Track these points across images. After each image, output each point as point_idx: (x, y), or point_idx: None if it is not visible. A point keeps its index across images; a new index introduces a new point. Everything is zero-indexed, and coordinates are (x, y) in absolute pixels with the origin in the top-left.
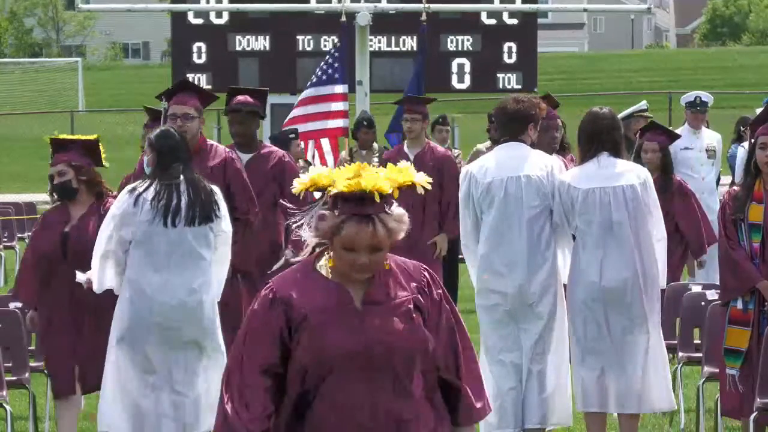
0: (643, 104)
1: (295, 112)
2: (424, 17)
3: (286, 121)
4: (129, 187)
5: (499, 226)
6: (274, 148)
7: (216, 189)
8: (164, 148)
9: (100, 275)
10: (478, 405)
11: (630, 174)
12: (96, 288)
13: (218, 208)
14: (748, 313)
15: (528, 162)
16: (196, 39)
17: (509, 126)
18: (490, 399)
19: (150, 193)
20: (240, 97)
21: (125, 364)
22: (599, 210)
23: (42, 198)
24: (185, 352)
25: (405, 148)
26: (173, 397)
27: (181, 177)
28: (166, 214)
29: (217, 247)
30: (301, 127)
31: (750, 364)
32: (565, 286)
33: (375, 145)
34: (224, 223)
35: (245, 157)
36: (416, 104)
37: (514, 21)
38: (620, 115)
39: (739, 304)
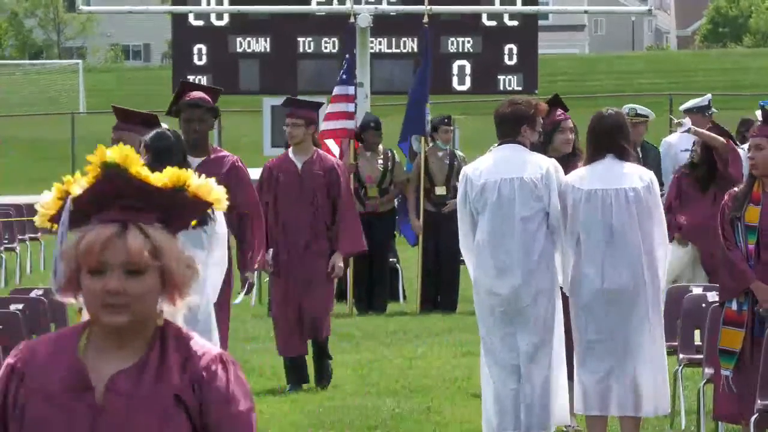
0: (648, 112)
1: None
2: (426, 19)
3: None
4: None
5: (493, 228)
6: (227, 153)
7: None
8: (159, 149)
9: None
10: None
11: (633, 176)
12: None
13: (212, 211)
14: (743, 314)
15: (523, 164)
16: (196, 41)
17: (503, 127)
18: (490, 402)
19: None
20: (197, 93)
21: None
22: (601, 211)
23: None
24: None
25: (291, 156)
26: None
27: None
28: None
29: (213, 250)
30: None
31: (743, 366)
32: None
33: (380, 147)
34: (218, 226)
35: (195, 161)
36: (297, 108)
37: (515, 23)
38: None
39: (734, 305)
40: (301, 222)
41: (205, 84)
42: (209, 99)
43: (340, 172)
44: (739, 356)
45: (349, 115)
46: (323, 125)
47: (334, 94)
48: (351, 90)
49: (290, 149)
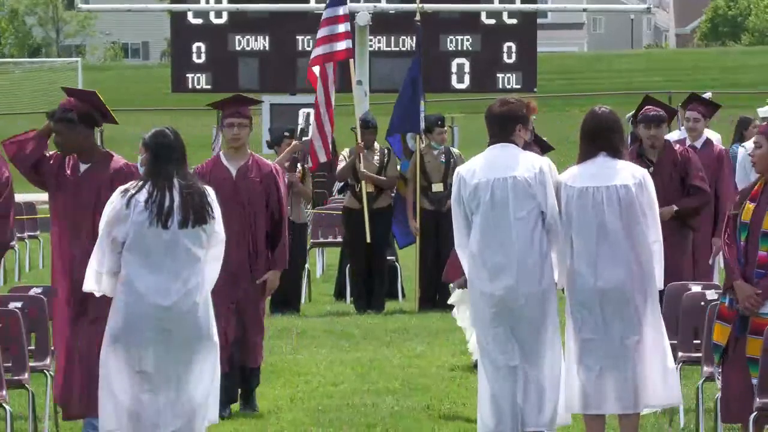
0: None
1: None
2: (418, 17)
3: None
4: (122, 188)
5: (487, 227)
6: (116, 156)
7: (210, 190)
8: (158, 148)
9: (96, 281)
10: None
11: (625, 174)
12: (86, 288)
13: (211, 210)
14: (733, 311)
15: (515, 163)
16: (195, 39)
17: (498, 127)
18: (486, 402)
19: (143, 195)
20: (63, 101)
21: (119, 365)
22: (593, 209)
23: (42, 198)
24: (179, 353)
25: (224, 161)
26: (167, 400)
27: (175, 178)
28: (159, 216)
29: (211, 247)
30: (315, 52)
31: (726, 361)
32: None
33: (376, 145)
34: (217, 225)
35: (83, 167)
36: (246, 106)
37: (514, 21)
38: (628, 115)
39: (727, 301)
40: (235, 235)
41: (204, 83)
42: (71, 106)
43: (278, 178)
44: (724, 351)
45: (346, 35)
46: (315, 51)
47: (323, 18)
48: (342, 10)
49: (222, 153)
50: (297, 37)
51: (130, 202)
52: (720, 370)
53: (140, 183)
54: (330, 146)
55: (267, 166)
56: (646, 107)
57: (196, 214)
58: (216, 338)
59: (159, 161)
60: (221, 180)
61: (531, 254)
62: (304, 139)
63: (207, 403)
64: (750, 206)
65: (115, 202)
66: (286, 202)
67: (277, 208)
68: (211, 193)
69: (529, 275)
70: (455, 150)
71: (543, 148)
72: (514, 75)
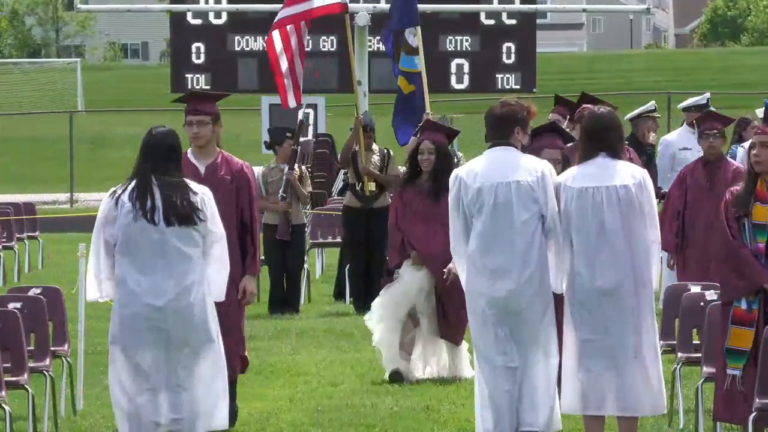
0: (651, 105)
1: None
2: None
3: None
4: (111, 190)
5: (489, 231)
6: None
7: (202, 190)
8: (142, 146)
9: (97, 288)
10: None
11: (624, 174)
12: (89, 297)
13: (200, 210)
14: (753, 313)
15: (518, 167)
16: (195, 39)
17: (497, 128)
18: (485, 404)
19: (127, 194)
20: None
21: (119, 365)
22: (592, 210)
23: (41, 198)
24: (177, 352)
25: (191, 158)
26: (168, 398)
27: (152, 176)
28: (143, 212)
29: (210, 247)
30: (284, 12)
31: (754, 365)
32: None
33: (375, 147)
34: (211, 224)
35: None
36: (202, 103)
37: (513, 21)
38: (628, 116)
39: (743, 304)
40: None
41: (204, 83)
42: None
43: (249, 175)
44: (750, 355)
45: None
46: (284, 12)
47: None
48: None
49: (189, 150)
50: None
51: (118, 203)
52: (741, 374)
53: (126, 183)
54: (300, 91)
55: (237, 163)
56: (583, 106)
57: (179, 215)
58: (218, 338)
59: (139, 159)
60: (189, 177)
61: (532, 257)
62: (302, 139)
63: (210, 404)
64: (762, 207)
65: (104, 204)
66: (257, 203)
67: (248, 206)
68: (201, 192)
69: (531, 278)
70: (458, 153)
71: (566, 139)
72: (513, 75)
